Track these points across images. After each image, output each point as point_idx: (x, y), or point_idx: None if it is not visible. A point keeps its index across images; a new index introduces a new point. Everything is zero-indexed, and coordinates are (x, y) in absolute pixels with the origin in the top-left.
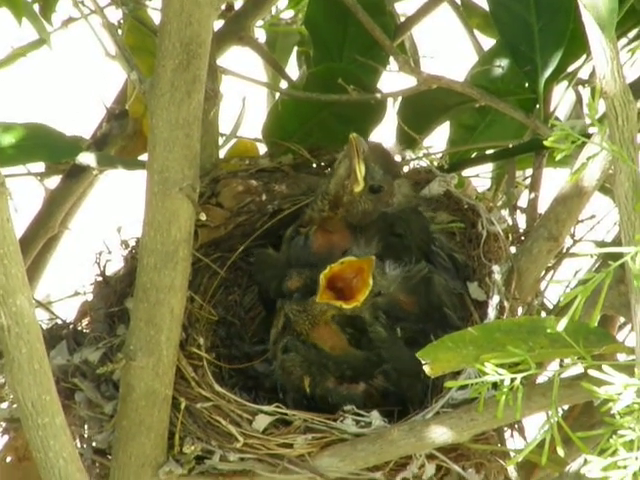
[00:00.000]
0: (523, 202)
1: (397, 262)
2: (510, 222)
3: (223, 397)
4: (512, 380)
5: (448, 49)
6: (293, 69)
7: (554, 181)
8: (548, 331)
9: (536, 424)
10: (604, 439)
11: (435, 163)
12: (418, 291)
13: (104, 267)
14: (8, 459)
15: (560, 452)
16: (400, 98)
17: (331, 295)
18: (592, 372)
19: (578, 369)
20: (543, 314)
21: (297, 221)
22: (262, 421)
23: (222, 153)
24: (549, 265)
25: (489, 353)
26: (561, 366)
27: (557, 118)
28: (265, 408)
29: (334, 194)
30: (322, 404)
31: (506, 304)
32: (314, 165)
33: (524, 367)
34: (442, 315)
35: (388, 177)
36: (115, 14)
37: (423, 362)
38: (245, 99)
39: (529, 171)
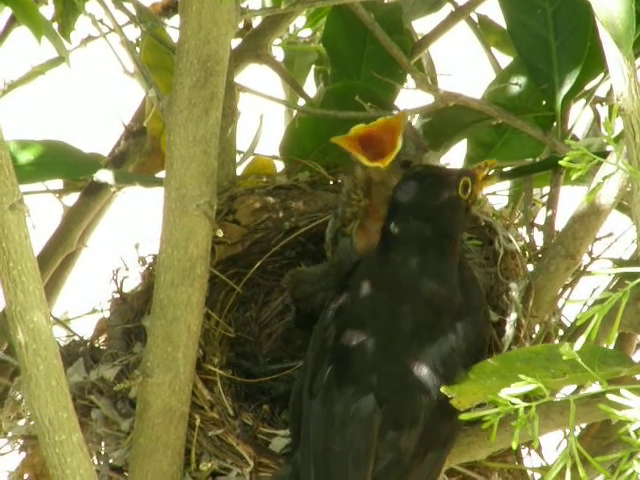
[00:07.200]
0: (540, 219)
1: None
2: (527, 239)
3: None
4: (527, 407)
5: (465, 67)
6: (311, 87)
7: (571, 198)
8: (564, 358)
9: (554, 439)
10: (623, 461)
11: None
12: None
13: (121, 284)
14: (25, 476)
15: (581, 472)
16: (417, 115)
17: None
18: (610, 396)
19: (595, 386)
20: (560, 332)
21: (332, 225)
22: (278, 444)
23: (239, 170)
24: (566, 282)
25: (513, 383)
26: (578, 389)
27: (574, 136)
28: (281, 432)
29: (365, 179)
30: None
31: (524, 322)
32: (331, 182)
33: (542, 393)
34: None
35: (419, 152)
36: (133, 32)
37: (450, 397)
38: (262, 117)
39: (546, 189)
